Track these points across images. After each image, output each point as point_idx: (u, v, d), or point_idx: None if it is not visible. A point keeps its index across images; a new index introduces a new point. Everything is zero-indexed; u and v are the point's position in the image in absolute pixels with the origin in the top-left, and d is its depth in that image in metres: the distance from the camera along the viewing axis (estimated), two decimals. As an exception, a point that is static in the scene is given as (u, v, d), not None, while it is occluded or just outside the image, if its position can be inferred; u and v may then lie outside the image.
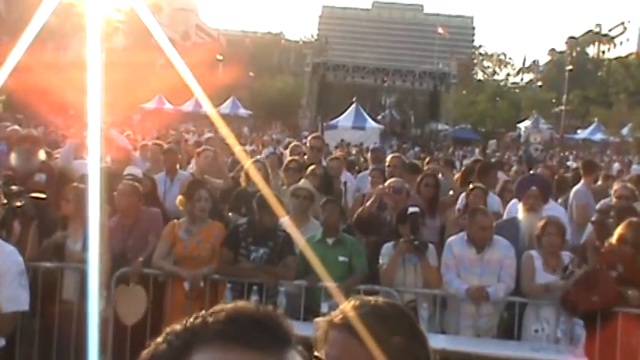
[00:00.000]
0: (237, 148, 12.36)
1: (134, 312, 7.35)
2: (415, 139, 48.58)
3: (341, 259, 7.60)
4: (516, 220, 8.61)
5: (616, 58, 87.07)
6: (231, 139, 12.20)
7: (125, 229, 7.85)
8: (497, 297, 7.28)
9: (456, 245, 7.49)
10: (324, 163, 11.04)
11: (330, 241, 7.71)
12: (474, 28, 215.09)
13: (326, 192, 9.80)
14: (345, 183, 11.17)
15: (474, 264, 7.35)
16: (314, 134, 13.25)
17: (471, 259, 7.36)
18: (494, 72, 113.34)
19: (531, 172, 15.74)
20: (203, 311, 1.39)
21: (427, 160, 14.95)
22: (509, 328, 7.38)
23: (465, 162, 18.65)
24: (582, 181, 11.77)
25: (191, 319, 1.37)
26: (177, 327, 1.37)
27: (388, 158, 11.24)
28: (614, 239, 7.17)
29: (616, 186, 10.06)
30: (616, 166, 25.82)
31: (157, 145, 12.07)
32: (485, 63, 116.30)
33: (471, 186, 9.55)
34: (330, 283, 6.98)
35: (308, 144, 11.47)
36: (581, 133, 59.66)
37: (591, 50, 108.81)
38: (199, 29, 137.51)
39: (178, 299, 7.37)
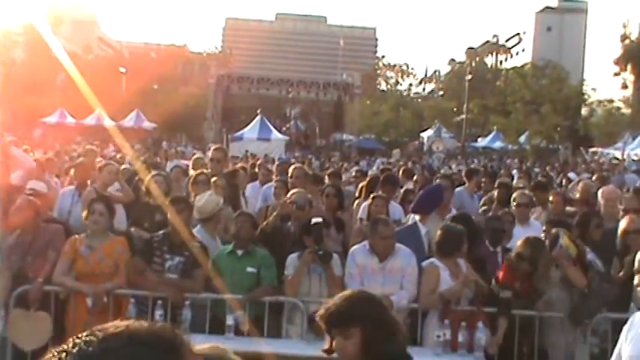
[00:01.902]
0: (138, 162, 12.27)
1: (35, 338, 7.16)
2: (320, 149, 48.80)
3: (249, 270, 7.64)
4: (417, 226, 8.78)
5: (513, 68, 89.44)
6: (129, 152, 12.09)
7: (25, 245, 7.68)
8: (400, 305, 7.39)
9: (358, 254, 7.59)
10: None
11: (239, 252, 7.75)
12: (376, 39, 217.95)
13: (232, 203, 9.86)
14: (244, 194, 11.26)
15: (376, 273, 7.46)
16: (215, 146, 13.20)
17: (374, 268, 7.46)
18: (397, 82, 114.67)
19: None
20: (95, 328, 1.40)
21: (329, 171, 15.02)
22: (412, 335, 7.52)
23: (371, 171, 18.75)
24: (464, 187, 12.36)
25: (80, 339, 1.38)
26: (68, 346, 1.37)
27: (290, 169, 11.28)
28: (512, 255, 7.49)
29: (515, 194, 10.43)
30: (514, 172, 26.43)
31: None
32: (389, 73, 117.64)
33: (372, 195, 9.72)
34: (234, 296, 7.04)
35: (209, 156, 11.43)
36: (482, 142, 61.06)
37: (490, 60, 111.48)
38: (102, 41, 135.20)
39: (81, 316, 7.24)
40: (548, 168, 33.20)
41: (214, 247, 8.18)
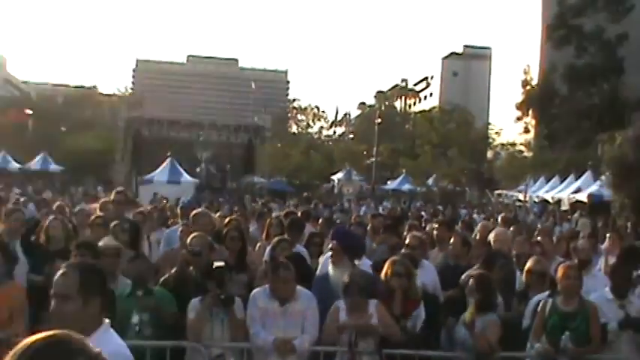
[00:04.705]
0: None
1: None
2: (231, 192, 48.64)
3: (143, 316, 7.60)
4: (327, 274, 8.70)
5: (421, 112, 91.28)
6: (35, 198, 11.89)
7: None
8: (302, 348, 7.42)
9: (259, 298, 7.60)
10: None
11: (139, 293, 7.70)
12: (288, 82, 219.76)
13: (133, 246, 9.73)
14: (148, 237, 11.19)
15: (277, 316, 7.47)
16: (117, 189, 13.09)
17: (275, 311, 7.48)
18: (308, 125, 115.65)
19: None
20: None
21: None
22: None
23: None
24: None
25: None
26: None
27: (191, 214, 11.20)
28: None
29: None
30: (423, 214, 26.91)
31: None
32: (300, 116, 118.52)
33: (276, 239, 9.77)
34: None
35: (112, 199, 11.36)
36: (391, 184, 61.84)
37: (399, 104, 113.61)
38: (7, 83, 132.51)
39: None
40: (464, 211, 33.84)
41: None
